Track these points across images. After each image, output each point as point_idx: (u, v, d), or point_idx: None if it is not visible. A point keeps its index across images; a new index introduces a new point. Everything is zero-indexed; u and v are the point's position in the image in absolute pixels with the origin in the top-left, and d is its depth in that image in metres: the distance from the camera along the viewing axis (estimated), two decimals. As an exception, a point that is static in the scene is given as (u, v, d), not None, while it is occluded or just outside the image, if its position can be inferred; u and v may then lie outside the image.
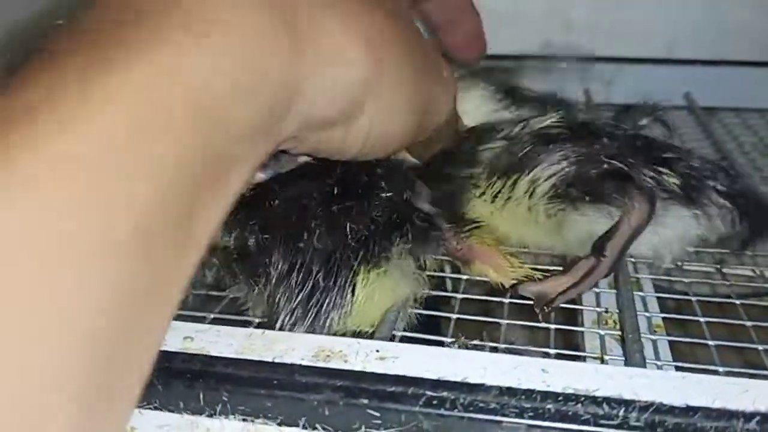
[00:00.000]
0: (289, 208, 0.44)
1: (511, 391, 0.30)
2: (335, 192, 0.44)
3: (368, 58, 0.36)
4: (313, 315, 0.41)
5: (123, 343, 0.25)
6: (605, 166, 0.47)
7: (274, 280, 0.42)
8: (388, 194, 0.46)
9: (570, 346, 0.49)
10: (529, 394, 0.30)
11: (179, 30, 0.27)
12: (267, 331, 0.37)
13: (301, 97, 0.32)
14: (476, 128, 0.54)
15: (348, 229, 0.43)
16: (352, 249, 0.42)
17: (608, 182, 0.47)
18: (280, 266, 0.42)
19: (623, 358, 0.44)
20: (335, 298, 0.41)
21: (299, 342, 0.35)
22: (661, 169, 0.48)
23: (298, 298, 0.41)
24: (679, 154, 0.50)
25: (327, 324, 0.42)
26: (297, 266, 0.42)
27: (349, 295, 0.42)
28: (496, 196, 0.50)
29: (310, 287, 0.41)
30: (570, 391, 0.30)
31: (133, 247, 0.24)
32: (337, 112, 0.36)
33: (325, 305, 0.41)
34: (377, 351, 0.34)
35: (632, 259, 0.52)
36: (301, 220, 0.43)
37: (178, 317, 0.45)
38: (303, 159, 0.49)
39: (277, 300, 0.42)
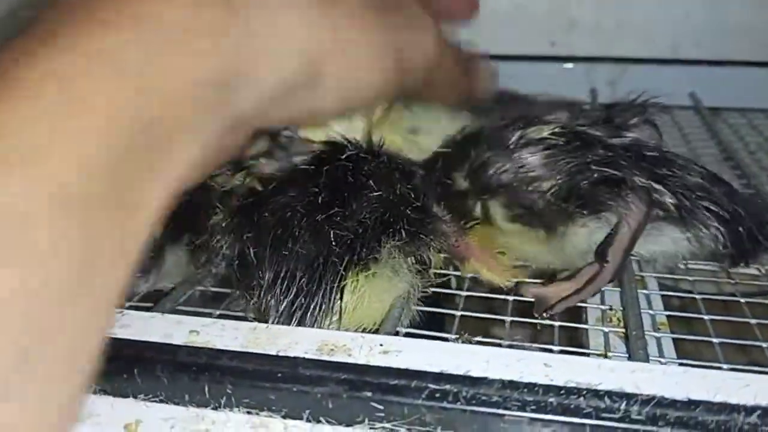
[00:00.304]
0: (275, 220, 0.45)
1: (513, 385, 0.31)
2: (320, 200, 0.45)
3: (316, 17, 0.35)
4: (298, 319, 0.41)
5: (63, 311, 0.25)
6: (595, 175, 0.47)
7: (263, 290, 0.43)
8: (377, 193, 0.46)
9: (574, 344, 0.49)
10: (531, 387, 0.31)
11: (113, 12, 0.28)
12: (271, 326, 0.37)
13: (247, 69, 0.32)
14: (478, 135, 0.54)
15: (332, 236, 0.43)
16: (337, 255, 0.43)
17: (601, 189, 0.47)
18: (267, 276, 0.43)
19: (627, 356, 0.44)
20: (321, 304, 0.42)
21: (303, 336, 0.36)
22: (655, 185, 0.47)
23: (284, 305, 0.42)
24: (674, 169, 0.49)
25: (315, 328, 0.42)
26: (282, 274, 0.42)
27: (336, 300, 0.42)
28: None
29: (294, 293, 0.42)
30: (572, 384, 0.31)
31: (73, 211, 0.25)
32: (292, 79, 0.35)
33: (310, 310, 0.42)
34: (381, 345, 0.34)
35: (636, 258, 0.52)
36: (285, 231, 0.43)
37: (184, 313, 0.46)
38: (317, 147, 0.50)
39: (264, 309, 0.43)
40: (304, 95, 0.37)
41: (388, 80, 0.42)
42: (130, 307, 0.48)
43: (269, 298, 0.42)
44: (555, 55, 1.00)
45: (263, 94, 0.34)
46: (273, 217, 0.45)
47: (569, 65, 1.00)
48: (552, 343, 0.45)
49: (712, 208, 0.47)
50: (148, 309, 0.46)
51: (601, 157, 0.48)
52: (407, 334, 0.45)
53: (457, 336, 0.44)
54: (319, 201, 0.45)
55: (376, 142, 0.51)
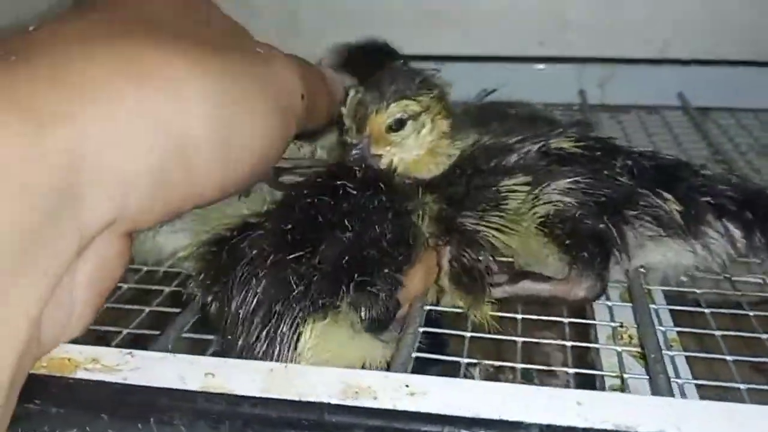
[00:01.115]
0: (244, 257, 0.43)
1: (551, 429, 0.30)
2: (288, 239, 0.43)
3: (172, 88, 0.34)
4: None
5: None
6: (601, 225, 0.47)
7: (227, 326, 0.42)
8: (348, 233, 0.43)
9: (584, 363, 0.48)
10: (569, 432, 0.29)
11: None
12: (289, 365, 0.35)
13: (88, 169, 0.31)
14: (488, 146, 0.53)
15: (291, 280, 0.41)
16: (294, 300, 0.41)
17: (589, 246, 0.47)
18: (231, 313, 0.42)
19: (645, 377, 0.43)
20: (278, 350, 0.40)
21: (323, 377, 0.34)
22: (665, 195, 0.48)
23: (240, 345, 0.41)
24: (684, 174, 0.50)
25: None
26: (242, 314, 0.41)
27: (291, 348, 0.41)
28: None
29: (254, 336, 0.41)
30: (610, 427, 0.30)
31: None
32: (157, 165, 0.34)
33: (268, 355, 0.41)
34: (406, 386, 0.33)
35: (642, 270, 0.52)
36: (250, 270, 0.42)
37: (189, 340, 0.44)
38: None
39: (226, 346, 0.42)
40: (180, 175, 0.35)
41: (275, 135, 0.41)
42: (133, 337, 0.47)
43: (231, 335, 0.41)
44: (543, 56, 0.99)
45: (131, 188, 0.33)
46: (245, 252, 0.43)
47: (558, 66, 0.99)
48: (566, 365, 0.45)
49: (729, 206, 0.48)
50: (153, 336, 0.44)
51: (621, 171, 0.48)
52: (418, 359, 0.44)
53: (475, 362, 0.42)
54: (288, 240, 0.43)
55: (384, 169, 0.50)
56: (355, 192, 0.46)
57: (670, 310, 0.51)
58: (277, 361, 0.40)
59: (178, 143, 0.34)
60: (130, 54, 0.34)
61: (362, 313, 0.42)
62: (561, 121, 0.68)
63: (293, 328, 0.41)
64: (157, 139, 0.34)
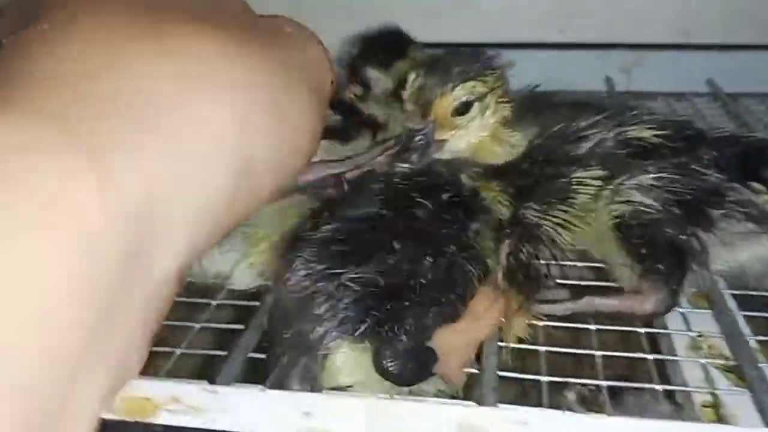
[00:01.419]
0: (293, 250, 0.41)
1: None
2: (334, 251, 0.40)
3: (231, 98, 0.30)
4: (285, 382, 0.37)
5: None
6: (682, 235, 0.44)
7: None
8: (393, 256, 0.40)
9: (663, 377, 0.46)
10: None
11: None
12: (384, 400, 0.33)
13: (160, 214, 0.27)
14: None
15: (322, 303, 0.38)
16: (322, 321, 0.38)
17: (666, 257, 0.44)
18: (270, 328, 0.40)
19: (740, 393, 0.40)
20: (304, 370, 0.37)
21: (428, 412, 0.31)
22: (757, 186, 0.46)
23: (272, 362, 0.38)
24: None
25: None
26: (273, 333, 0.39)
27: (317, 366, 0.37)
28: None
29: (280, 353, 0.38)
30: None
31: None
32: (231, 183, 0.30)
33: (293, 376, 0.37)
34: (523, 423, 0.30)
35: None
36: (288, 272, 0.40)
37: (255, 360, 0.41)
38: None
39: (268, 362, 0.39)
40: (244, 192, 0.32)
41: (317, 130, 0.38)
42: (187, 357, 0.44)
43: (268, 349, 0.39)
44: (565, 42, 0.96)
45: (200, 218, 0.29)
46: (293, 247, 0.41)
47: (580, 52, 0.96)
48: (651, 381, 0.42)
49: None
50: (213, 358, 0.42)
51: (708, 162, 0.46)
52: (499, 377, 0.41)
53: (561, 381, 0.40)
54: (334, 252, 0.40)
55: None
56: (426, 212, 0.43)
57: (744, 316, 0.49)
58: (306, 375, 0.36)
59: (243, 156, 0.31)
60: (184, 56, 0.29)
61: (386, 365, 0.37)
62: (612, 107, 0.65)
63: (322, 348, 0.37)
64: (226, 157, 0.30)
